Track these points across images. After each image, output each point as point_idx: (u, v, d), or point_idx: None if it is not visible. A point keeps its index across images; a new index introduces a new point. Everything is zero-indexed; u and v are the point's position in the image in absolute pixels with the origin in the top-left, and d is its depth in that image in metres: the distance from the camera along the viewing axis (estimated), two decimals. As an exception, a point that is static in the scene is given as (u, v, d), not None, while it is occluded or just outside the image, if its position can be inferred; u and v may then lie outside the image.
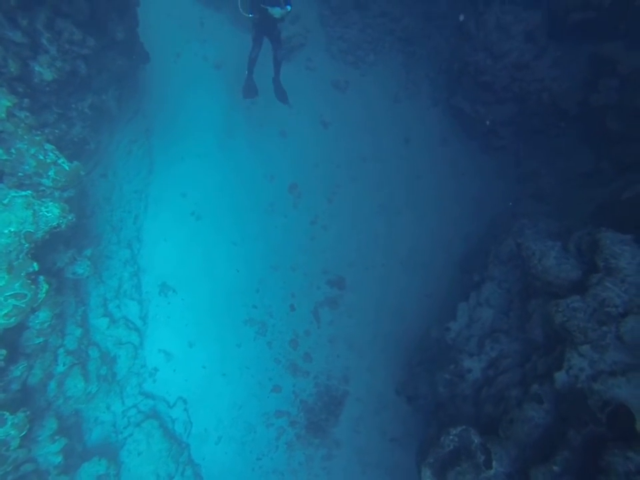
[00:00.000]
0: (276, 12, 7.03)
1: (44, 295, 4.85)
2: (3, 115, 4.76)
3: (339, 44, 10.02)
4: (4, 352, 4.87)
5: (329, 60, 10.04)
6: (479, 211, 8.93)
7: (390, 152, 9.50)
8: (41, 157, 4.93)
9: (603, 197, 6.16)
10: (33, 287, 4.75)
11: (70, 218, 5.02)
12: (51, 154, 5.04)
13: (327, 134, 9.63)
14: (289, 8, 7.22)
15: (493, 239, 7.37)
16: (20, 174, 4.93)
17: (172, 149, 9.62)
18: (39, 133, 5.12)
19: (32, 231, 4.66)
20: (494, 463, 3.99)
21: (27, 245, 4.66)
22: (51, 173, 5.00)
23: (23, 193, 4.73)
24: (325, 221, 9.43)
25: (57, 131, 5.69)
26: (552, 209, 7.61)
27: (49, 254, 5.42)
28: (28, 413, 5.12)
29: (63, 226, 4.93)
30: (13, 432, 4.90)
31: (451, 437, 4.15)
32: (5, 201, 4.60)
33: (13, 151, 4.92)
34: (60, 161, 5.10)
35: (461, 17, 8.36)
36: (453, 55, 8.88)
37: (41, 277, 4.92)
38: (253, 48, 7.69)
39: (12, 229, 4.59)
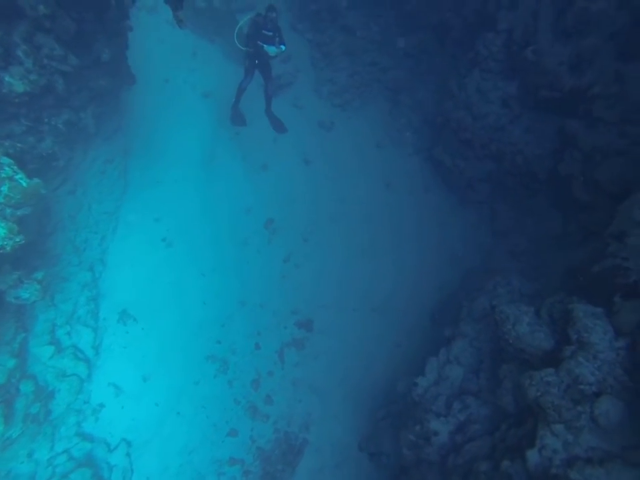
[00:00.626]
0: (271, 50, 7.13)
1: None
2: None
3: (327, 86, 10.06)
4: None
5: (316, 100, 10.02)
6: (454, 262, 8.80)
7: (370, 195, 9.36)
8: (-6, 171, 4.47)
9: (572, 263, 6.13)
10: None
11: (18, 240, 4.50)
12: (7, 168, 4.57)
13: (309, 172, 9.46)
14: (283, 48, 7.29)
15: (466, 294, 7.19)
16: (-36, 187, 4.41)
17: (149, 172, 9.24)
18: (-4, 144, 4.67)
19: (-33, 251, 4.12)
20: None
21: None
22: (3, 189, 4.51)
23: (-36, 209, 4.21)
24: (299, 259, 9.10)
25: (19, 145, 5.24)
26: (525, 266, 7.53)
27: (-10, 275, 4.85)
28: None
29: (8, 248, 4.40)
30: None
31: (414, 517, 3.71)
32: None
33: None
34: (17, 177, 4.63)
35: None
36: (437, 109, 9.00)
37: (-29, 304, 4.33)
38: (244, 78, 7.71)
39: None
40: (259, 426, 7.80)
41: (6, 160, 4.61)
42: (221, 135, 9.32)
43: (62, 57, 5.40)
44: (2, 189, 4.45)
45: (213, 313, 8.40)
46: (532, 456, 3.58)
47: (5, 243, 4.34)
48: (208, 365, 8.04)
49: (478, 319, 5.93)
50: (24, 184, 4.67)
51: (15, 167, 4.66)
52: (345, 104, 9.93)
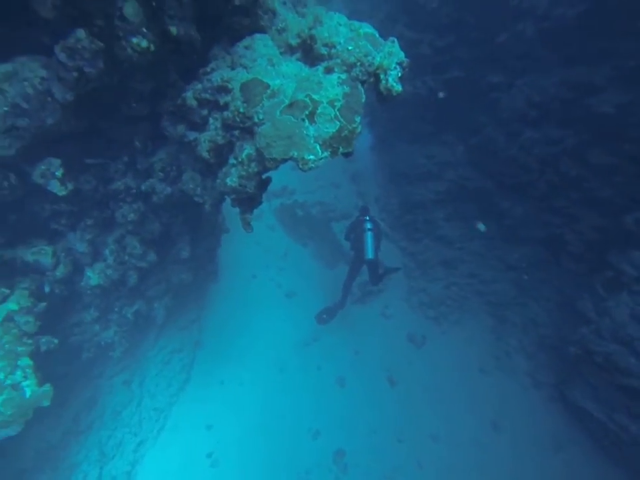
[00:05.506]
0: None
1: None
2: (-1, 319, 3.71)
3: (420, 296, 8.79)
4: None
5: (407, 311, 8.62)
6: None
7: (472, 438, 6.70)
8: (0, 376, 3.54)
9: None
10: None
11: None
12: (18, 372, 3.65)
13: (393, 395, 7.35)
14: None
15: None
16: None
17: (215, 369, 8.07)
18: (30, 341, 3.91)
19: None
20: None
21: None
22: (-1, 399, 3.47)
23: None
24: (373, 520, 6.28)
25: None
26: None
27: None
28: None
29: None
30: None
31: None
32: None
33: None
34: (24, 384, 3.65)
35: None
36: (558, 333, 6.88)
37: None
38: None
39: None
40: None
41: (25, 361, 3.72)
42: (297, 340, 8.12)
43: (140, 255, 5.09)
44: (-2, 400, 3.42)
45: None
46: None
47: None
48: None
49: None
50: (27, 394, 3.63)
51: (30, 371, 3.73)
52: (440, 317, 8.36)
